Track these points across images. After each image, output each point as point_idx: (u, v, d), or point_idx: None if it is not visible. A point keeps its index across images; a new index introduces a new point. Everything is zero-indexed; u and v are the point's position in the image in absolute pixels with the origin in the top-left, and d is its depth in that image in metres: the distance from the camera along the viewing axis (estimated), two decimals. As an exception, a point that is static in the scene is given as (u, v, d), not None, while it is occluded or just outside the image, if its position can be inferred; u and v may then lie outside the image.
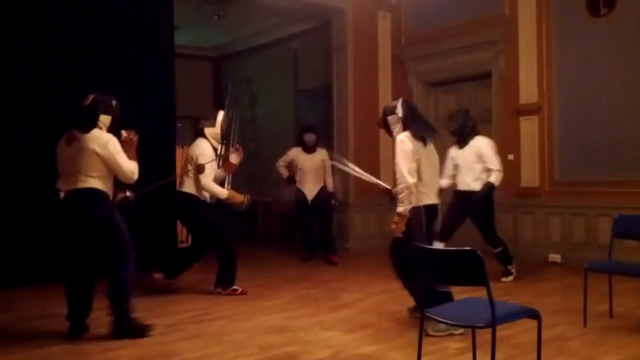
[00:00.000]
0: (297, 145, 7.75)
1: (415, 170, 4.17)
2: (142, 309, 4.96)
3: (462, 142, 5.93)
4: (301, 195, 7.66)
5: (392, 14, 8.74)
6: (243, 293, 5.53)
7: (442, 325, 3.77)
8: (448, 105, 8.41)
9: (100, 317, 4.70)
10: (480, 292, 2.94)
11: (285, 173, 7.72)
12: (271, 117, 10.79)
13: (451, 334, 3.96)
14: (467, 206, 5.87)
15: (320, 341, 4.03)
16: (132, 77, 6.78)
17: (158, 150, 6.94)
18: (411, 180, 4.10)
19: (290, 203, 7.97)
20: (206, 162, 5.36)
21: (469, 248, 2.68)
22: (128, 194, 4.51)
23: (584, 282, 4.19)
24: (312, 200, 7.60)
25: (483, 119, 7.89)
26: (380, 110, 8.53)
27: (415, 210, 4.16)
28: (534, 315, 2.85)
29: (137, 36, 6.82)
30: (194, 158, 5.45)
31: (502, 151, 7.44)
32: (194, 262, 5.85)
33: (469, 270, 2.68)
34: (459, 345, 3.77)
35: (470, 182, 5.85)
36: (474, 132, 5.93)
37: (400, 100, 4.50)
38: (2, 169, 5.88)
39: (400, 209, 4.12)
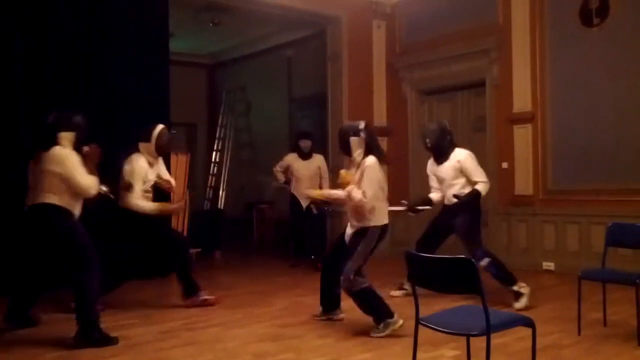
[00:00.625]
0: (293, 151, 7.76)
1: (378, 194, 4.41)
2: (137, 316, 4.96)
3: (441, 158, 5.44)
4: (296, 201, 7.67)
5: (387, 23, 8.79)
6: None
7: (381, 326, 4.26)
8: (442, 114, 8.44)
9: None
10: (475, 300, 2.95)
11: (282, 178, 7.78)
12: (266, 124, 10.81)
13: (392, 331, 4.19)
14: (451, 220, 5.43)
15: (315, 348, 4.02)
16: (127, 83, 6.77)
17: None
18: (371, 204, 4.37)
19: (280, 197, 8.00)
20: (134, 180, 5.17)
21: (463, 256, 2.69)
22: (103, 189, 4.60)
23: (578, 290, 4.20)
24: (306, 207, 7.61)
25: (477, 127, 7.95)
26: (374, 119, 8.69)
27: (373, 229, 4.41)
28: (529, 323, 2.86)
29: (132, 43, 6.82)
30: (124, 174, 5.24)
31: (496, 159, 7.51)
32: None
33: (464, 278, 2.69)
34: (454, 353, 3.77)
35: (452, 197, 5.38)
36: (452, 146, 5.42)
37: (362, 123, 4.57)
38: (1, 169, 5.86)
39: (347, 196, 4.45)
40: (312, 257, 7.58)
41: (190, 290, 5.38)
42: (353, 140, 4.51)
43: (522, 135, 7.28)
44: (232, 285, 6.56)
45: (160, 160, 5.57)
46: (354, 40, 8.54)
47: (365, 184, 4.35)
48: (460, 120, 8.23)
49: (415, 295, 2.88)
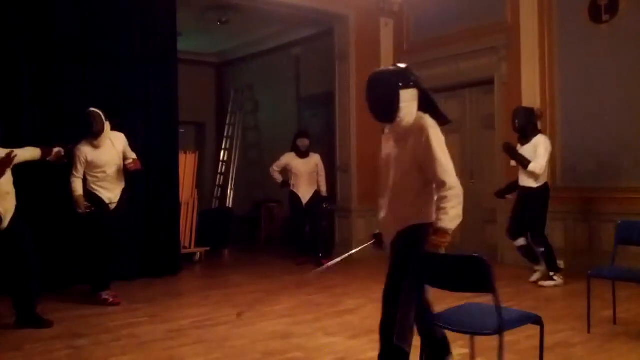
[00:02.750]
0: (291, 150, 7.90)
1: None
2: (145, 314, 4.98)
3: (524, 140, 6.08)
4: (296, 198, 7.83)
5: (395, 21, 8.76)
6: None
7: None
8: (450, 112, 8.37)
9: (101, 322, 4.71)
10: (479, 298, 2.95)
11: (279, 178, 7.95)
12: (273, 123, 10.81)
13: None
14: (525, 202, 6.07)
15: (323, 347, 4.03)
16: (135, 83, 6.81)
17: (161, 156, 6.97)
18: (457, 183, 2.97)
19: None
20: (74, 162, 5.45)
21: (475, 254, 2.68)
22: (55, 149, 5.07)
23: (588, 288, 4.18)
24: (306, 204, 7.81)
25: (486, 125, 7.92)
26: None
27: (426, 228, 2.97)
28: (537, 321, 2.85)
29: (140, 42, 6.85)
30: None
31: (504, 157, 7.47)
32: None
33: (476, 276, 2.67)
34: (463, 352, 3.76)
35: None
36: (536, 130, 6.08)
37: (407, 67, 3.25)
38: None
39: (447, 224, 2.93)
40: (319, 254, 7.63)
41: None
42: (404, 93, 3.12)
43: (531, 133, 7.24)
44: (240, 284, 6.58)
45: (117, 138, 5.56)
46: (362, 38, 8.53)
47: (437, 152, 2.98)
48: (469, 118, 8.21)
49: (418, 295, 2.86)
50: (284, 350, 3.94)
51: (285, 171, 7.91)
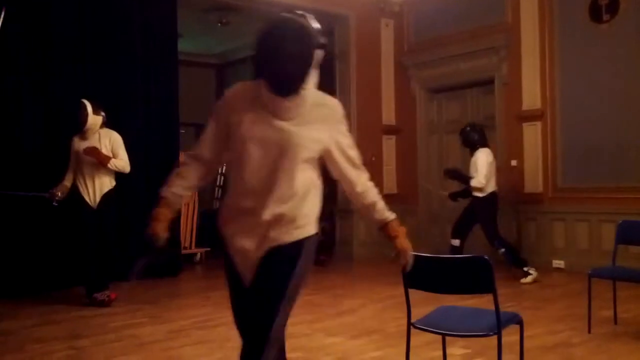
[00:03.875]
0: None
1: None
2: (146, 315, 4.98)
3: (471, 155, 6.46)
4: None
5: (395, 21, 8.77)
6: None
7: None
8: (451, 112, 8.43)
9: (102, 323, 4.72)
10: (449, 300, 2.98)
11: None
12: (274, 123, 10.80)
13: None
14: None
15: (324, 347, 4.03)
16: (136, 84, 6.82)
17: (162, 157, 6.96)
18: None
19: None
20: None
21: (477, 255, 2.68)
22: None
23: (588, 288, 4.17)
24: None
25: (486, 125, 7.91)
26: (383, 117, 8.69)
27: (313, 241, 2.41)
28: (518, 320, 2.86)
29: (141, 44, 6.85)
30: None
31: (505, 157, 7.49)
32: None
33: (477, 278, 2.67)
34: (464, 352, 3.77)
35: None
36: (477, 146, 6.40)
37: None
38: (4, 170, 5.90)
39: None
40: (320, 257, 7.60)
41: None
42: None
43: (532, 133, 7.25)
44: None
45: (105, 135, 5.44)
46: (362, 39, 8.53)
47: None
48: (470, 118, 8.18)
49: (407, 299, 2.86)
50: (284, 351, 3.94)
51: None
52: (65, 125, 5.97)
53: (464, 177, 6.36)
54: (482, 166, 6.17)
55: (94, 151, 5.29)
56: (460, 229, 6.48)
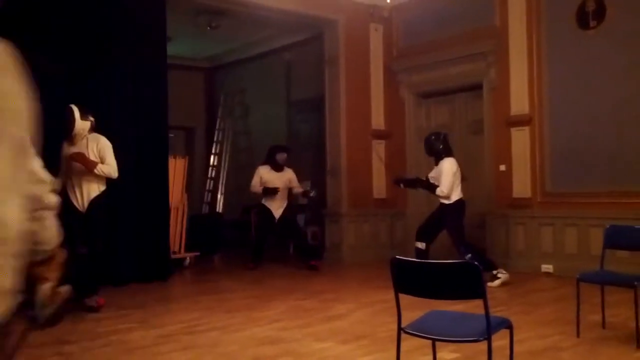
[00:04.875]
0: (265, 163, 7.81)
1: None
2: (135, 320, 4.95)
3: (436, 164, 6.54)
4: (268, 212, 7.75)
5: (384, 26, 8.80)
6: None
7: None
8: (440, 117, 8.46)
9: (90, 329, 4.68)
10: (438, 305, 2.97)
11: (260, 190, 7.73)
12: (264, 127, 10.81)
13: None
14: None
15: (314, 352, 4.02)
16: (126, 87, 6.79)
17: (151, 160, 6.95)
18: None
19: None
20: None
21: (467, 261, 2.69)
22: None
23: (577, 293, 4.20)
24: (279, 219, 7.74)
25: (475, 130, 7.97)
26: (372, 122, 8.71)
27: None
28: (507, 325, 2.87)
29: (130, 47, 6.83)
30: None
31: (493, 162, 7.53)
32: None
33: (467, 283, 2.68)
34: (454, 356, 3.78)
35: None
36: (442, 155, 6.47)
37: None
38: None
39: None
40: (311, 263, 7.57)
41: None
42: None
43: (520, 138, 7.29)
44: (230, 289, 6.56)
45: (93, 140, 5.40)
46: (352, 43, 8.56)
47: None
48: (458, 123, 8.25)
49: (398, 304, 2.86)
50: (274, 356, 3.93)
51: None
52: (53, 128, 5.92)
53: (430, 186, 6.48)
54: (447, 175, 6.29)
55: (80, 156, 5.27)
56: (427, 233, 6.57)
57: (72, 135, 5.34)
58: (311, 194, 7.92)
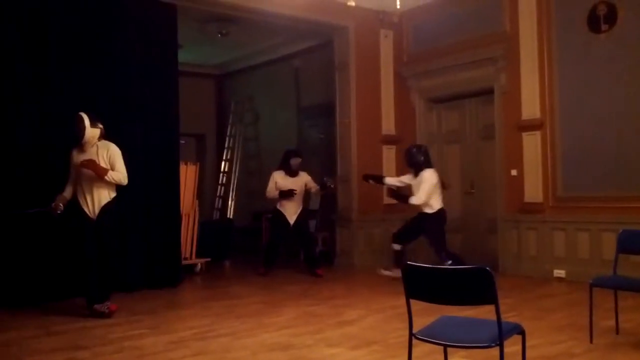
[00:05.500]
0: (280, 168, 7.81)
1: None
2: (146, 326, 4.97)
3: (416, 174, 6.82)
4: (282, 217, 7.72)
5: (394, 32, 8.80)
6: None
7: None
8: (450, 122, 8.45)
9: (102, 334, 4.70)
10: (449, 311, 2.97)
11: (276, 195, 7.71)
12: (274, 134, 10.83)
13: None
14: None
15: (325, 358, 4.01)
16: (137, 95, 6.84)
17: (162, 167, 6.99)
18: None
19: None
20: None
21: (479, 266, 2.67)
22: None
23: (590, 298, 4.17)
24: (294, 225, 7.73)
25: (486, 135, 7.94)
26: (383, 128, 8.71)
27: None
28: (519, 331, 2.85)
29: (141, 54, 6.88)
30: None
31: (505, 167, 7.50)
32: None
33: (479, 288, 2.66)
34: (465, 362, 3.76)
35: None
36: (423, 166, 6.78)
37: None
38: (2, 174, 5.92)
39: None
40: (317, 271, 7.58)
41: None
42: None
43: (531, 143, 7.26)
44: (241, 295, 6.57)
45: (103, 147, 5.44)
46: (362, 49, 8.56)
47: None
48: (469, 128, 8.23)
49: (409, 310, 2.85)
50: (285, 362, 3.93)
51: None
52: (63, 135, 5.98)
53: (404, 197, 6.93)
54: (427, 185, 6.59)
55: (91, 163, 5.30)
56: (404, 237, 6.96)
57: (83, 143, 5.37)
58: (329, 184, 7.86)
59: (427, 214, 6.70)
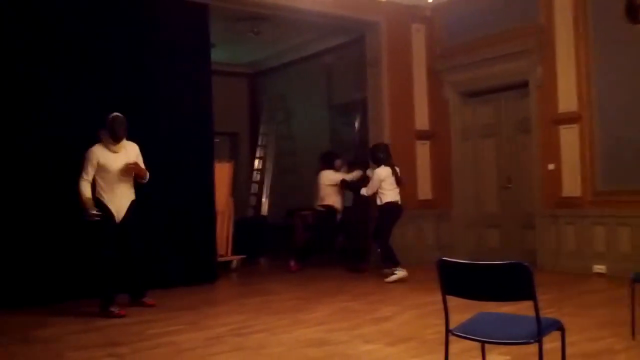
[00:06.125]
0: (323, 168, 8.04)
1: None
2: (183, 322, 5.04)
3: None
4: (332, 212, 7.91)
5: (426, 26, 8.72)
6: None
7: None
8: (485, 116, 8.34)
9: (140, 331, 4.78)
10: (484, 307, 2.92)
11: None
12: (306, 131, 10.86)
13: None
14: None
15: (361, 354, 4.01)
16: (171, 95, 6.92)
17: (197, 166, 7.06)
18: None
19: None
20: (84, 164, 5.40)
21: (516, 261, 2.63)
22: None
23: (631, 293, 4.07)
24: (340, 219, 8.03)
25: (522, 128, 7.82)
26: (416, 123, 8.64)
27: None
28: (559, 327, 2.80)
29: (175, 55, 6.96)
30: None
31: (541, 161, 7.37)
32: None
33: (516, 284, 2.62)
34: (504, 359, 3.71)
35: None
36: (380, 163, 7.22)
37: None
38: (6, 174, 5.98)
39: None
40: (361, 265, 7.65)
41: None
42: None
43: (569, 136, 7.12)
44: (276, 291, 6.61)
45: (131, 147, 5.54)
46: (394, 44, 8.51)
47: None
48: (504, 121, 8.11)
49: (445, 306, 2.82)
50: (321, 358, 3.94)
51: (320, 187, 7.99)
52: (91, 132, 6.07)
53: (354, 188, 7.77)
54: (373, 181, 7.12)
55: (137, 166, 5.46)
56: (381, 234, 7.20)
57: (118, 144, 5.47)
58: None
59: (377, 205, 7.20)
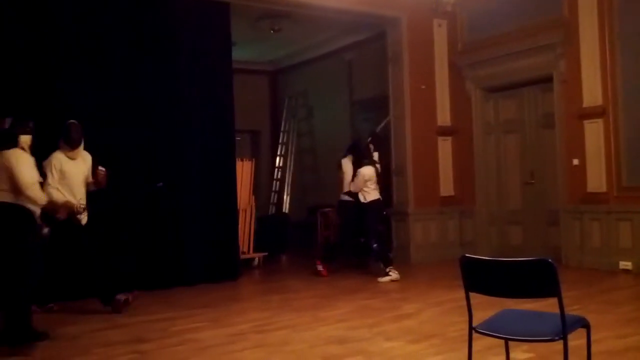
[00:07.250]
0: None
1: None
2: (206, 319, 5.07)
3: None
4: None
5: (448, 21, 8.65)
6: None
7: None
8: (508, 111, 8.25)
9: (164, 327, 4.82)
10: (507, 304, 2.90)
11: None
12: (327, 128, 10.85)
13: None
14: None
15: (384, 351, 4.00)
16: (193, 93, 6.97)
17: (219, 164, 7.10)
18: None
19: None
20: (46, 170, 5.24)
21: (541, 258, 2.60)
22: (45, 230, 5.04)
23: (659, 290, 4.01)
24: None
25: (545, 123, 7.72)
26: (438, 119, 8.56)
27: None
28: (584, 324, 2.77)
29: (196, 53, 7.01)
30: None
31: (566, 156, 7.27)
32: None
33: (541, 281, 2.59)
34: (528, 356, 3.68)
35: None
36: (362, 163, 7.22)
37: None
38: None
39: None
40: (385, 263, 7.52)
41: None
42: None
43: (594, 131, 7.01)
44: (298, 288, 6.62)
45: (86, 155, 5.49)
46: (415, 40, 8.46)
47: None
48: (528, 116, 8.02)
49: (468, 303, 2.80)
50: (343, 355, 3.94)
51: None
52: (128, 134, 6.14)
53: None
54: (360, 181, 7.07)
55: (105, 175, 5.45)
56: (373, 233, 7.15)
57: (76, 150, 5.37)
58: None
59: (362, 203, 7.15)
